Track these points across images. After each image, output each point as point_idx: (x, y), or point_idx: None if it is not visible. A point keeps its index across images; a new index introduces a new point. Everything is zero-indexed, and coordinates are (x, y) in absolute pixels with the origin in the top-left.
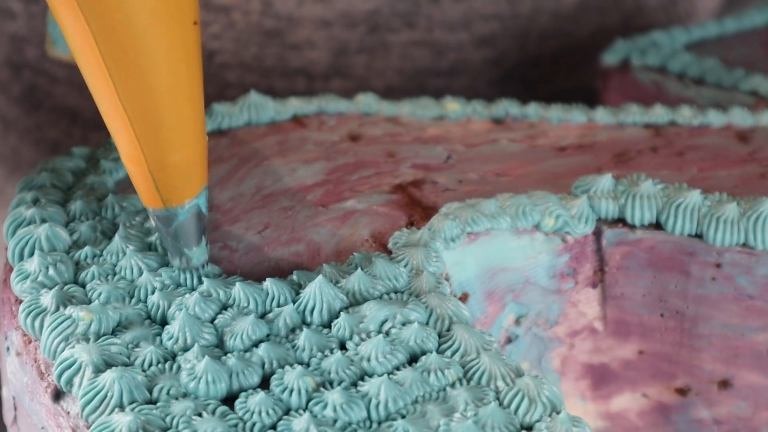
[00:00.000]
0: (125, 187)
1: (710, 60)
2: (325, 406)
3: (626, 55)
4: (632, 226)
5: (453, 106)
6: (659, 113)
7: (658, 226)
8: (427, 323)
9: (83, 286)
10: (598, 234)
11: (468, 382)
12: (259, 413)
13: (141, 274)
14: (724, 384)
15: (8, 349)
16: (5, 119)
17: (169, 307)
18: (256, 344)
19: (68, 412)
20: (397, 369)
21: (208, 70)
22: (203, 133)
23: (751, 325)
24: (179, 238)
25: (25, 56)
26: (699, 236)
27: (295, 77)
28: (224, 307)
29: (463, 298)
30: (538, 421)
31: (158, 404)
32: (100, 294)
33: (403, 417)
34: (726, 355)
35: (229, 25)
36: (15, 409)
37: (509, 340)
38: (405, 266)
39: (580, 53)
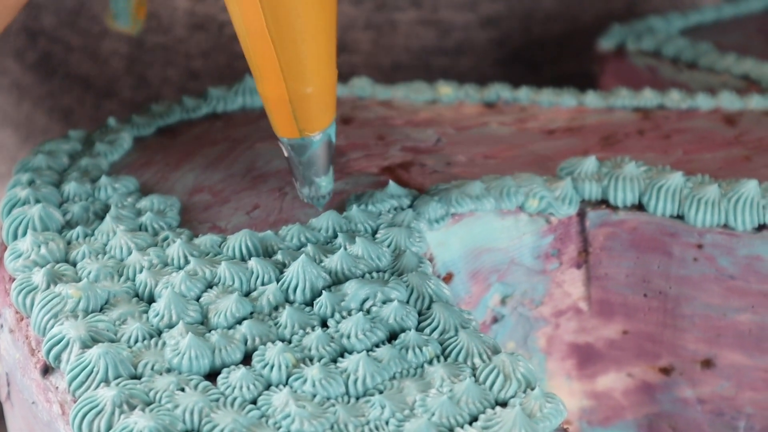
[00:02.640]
0: (119, 169)
1: (704, 45)
2: (304, 382)
3: (622, 39)
4: (615, 208)
5: (446, 90)
6: (648, 97)
7: (640, 207)
8: (407, 302)
9: (74, 264)
10: (581, 215)
11: (445, 359)
12: (241, 388)
13: (130, 253)
14: (707, 363)
15: (2, 326)
16: (20, 86)
17: (156, 285)
18: (239, 321)
19: (56, 387)
20: (377, 346)
21: (218, 42)
22: (335, 68)
23: (732, 305)
24: (311, 167)
25: (41, 24)
26: (681, 217)
27: None
28: (210, 286)
29: (448, 278)
30: (512, 397)
31: (142, 379)
32: (89, 272)
33: (381, 392)
34: (708, 335)
35: None
36: (8, 384)
37: (495, 320)
38: (388, 246)
39: (584, 37)
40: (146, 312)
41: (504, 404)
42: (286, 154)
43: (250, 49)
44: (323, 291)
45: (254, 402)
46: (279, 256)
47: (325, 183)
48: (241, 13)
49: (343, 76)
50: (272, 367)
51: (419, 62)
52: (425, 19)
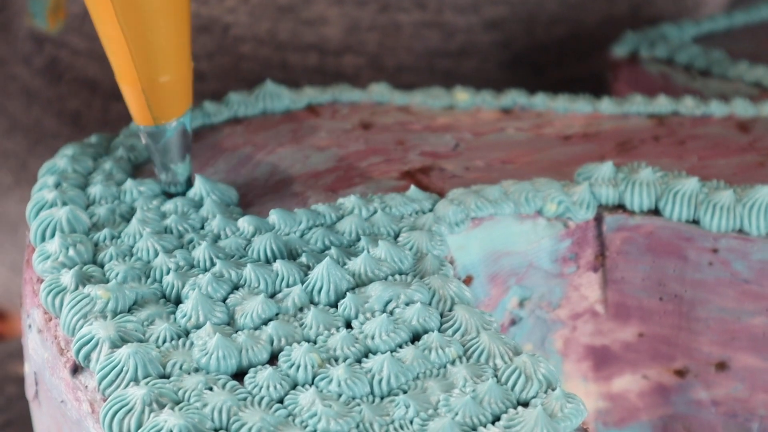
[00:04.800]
0: (142, 172)
1: (716, 52)
2: (330, 382)
3: (635, 47)
4: (632, 212)
5: (463, 95)
6: (663, 103)
7: (657, 212)
8: (429, 303)
9: (101, 266)
10: (599, 220)
11: (467, 359)
12: (268, 388)
13: (157, 255)
14: (722, 366)
15: (30, 326)
16: (28, 91)
17: (182, 286)
18: (265, 322)
19: (86, 386)
20: (400, 347)
21: (223, 43)
22: (189, 59)
23: (747, 308)
24: (166, 154)
25: (47, 30)
26: (696, 222)
27: (308, 52)
28: (235, 287)
29: (468, 280)
30: (534, 397)
31: (171, 378)
32: (117, 274)
33: (405, 392)
34: (723, 338)
35: None
36: (36, 384)
37: (513, 323)
38: (410, 249)
39: (588, 40)
40: (174, 313)
41: (526, 404)
42: (143, 141)
43: (103, 38)
44: (347, 293)
45: (281, 401)
46: (303, 259)
47: (181, 170)
48: (97, 14)
49: (348, 78)
50: (298, 367)
51: (423, 64)
52: (429, 21)
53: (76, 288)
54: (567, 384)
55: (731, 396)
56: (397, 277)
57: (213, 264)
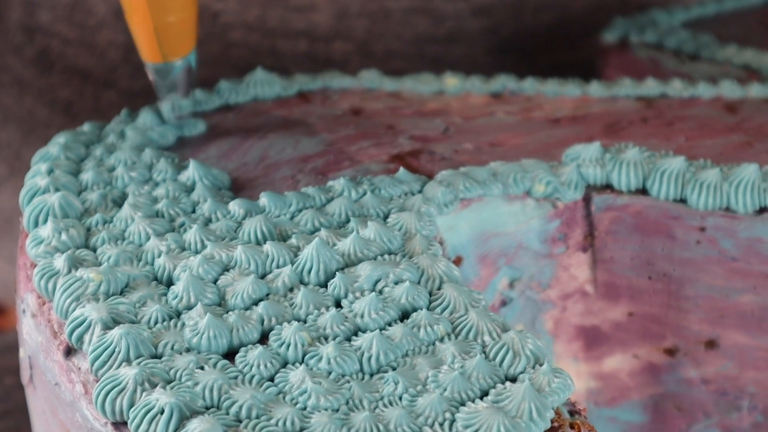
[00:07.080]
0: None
1: (705, 36)
2: (320, 359)
3: (625, 32)
4: (619, 192)
5: (452, 81)
6: (651, 86)
7: (644, 191)
8: (418, 282)
9: (94, 250)
10: (587, 200)
11: (456, 336)
12: (258, 366)
13: (148, 238)
14: (711, 344)
15: (24, 311)
16: (20, 81)
17: (174, 268)
18: (255, 302)
19: (79, 368)
20: (389, 325)
21: (212, 30)
22: (195, 4)
23: (735, 286)
24: (173, 89)
25: (38, 20)
26: (683, 201)
27: (298, 38)
28: (226, 269)
29: (457, 261)
30: (521, 372)
31: (163, 358)
32: (109, 257)
33: (394, 369)
34: (712, 316)
35: None
36: (31, 368)
37: (504, 303)
38: (399, 229)
39: (577, 27)
40: (165, 294)
41: (513, 379)
42: (151, 78)
43: None
44: (337, 273)
45: (271, 379)
46: (293, 240)
47: (185, 104)
48: None
49: (337, 63)
50: (288, 345)
51: (412, 50)
52: (418, 7)
53: (69, 271)
54: (558, 364)
55: (721, 374)
56: (386, 256)
57: (204, 246)
